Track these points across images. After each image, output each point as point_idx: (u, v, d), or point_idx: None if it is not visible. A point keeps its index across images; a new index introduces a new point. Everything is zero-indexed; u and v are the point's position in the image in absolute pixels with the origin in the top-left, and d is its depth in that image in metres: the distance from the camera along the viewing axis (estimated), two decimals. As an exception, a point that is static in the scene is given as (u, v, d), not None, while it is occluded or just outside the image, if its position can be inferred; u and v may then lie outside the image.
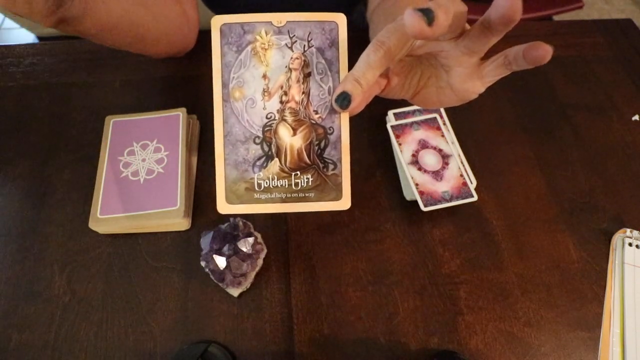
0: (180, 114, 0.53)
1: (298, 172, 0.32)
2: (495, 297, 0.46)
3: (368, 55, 0.28)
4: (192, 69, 0.62)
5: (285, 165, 0.32)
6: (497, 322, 0.44)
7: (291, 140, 0.32)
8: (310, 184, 0.32)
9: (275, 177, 0.32)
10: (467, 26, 0.28)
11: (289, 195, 0.32)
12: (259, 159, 0.32)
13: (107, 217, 0.46)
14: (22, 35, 1.74)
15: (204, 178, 0.53)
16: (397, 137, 0.52)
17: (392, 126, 0.53)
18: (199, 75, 0.62)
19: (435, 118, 0.54)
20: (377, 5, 0.54)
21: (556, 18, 1.05)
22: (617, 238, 0.49)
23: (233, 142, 0.32)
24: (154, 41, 0.50)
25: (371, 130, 0.56)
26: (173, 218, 0.46)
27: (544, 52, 0.25)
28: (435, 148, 0.51)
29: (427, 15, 0.23)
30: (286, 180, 0.32)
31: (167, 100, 0.59)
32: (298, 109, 0.32)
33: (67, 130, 0.56)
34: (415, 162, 0.50)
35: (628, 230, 0.49)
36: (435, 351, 0.43)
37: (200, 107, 0.57)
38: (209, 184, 0.52)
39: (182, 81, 0.61)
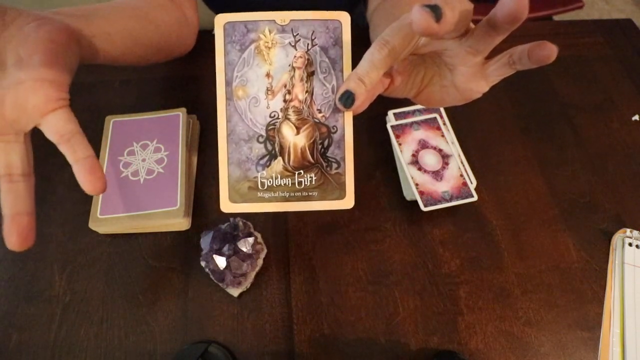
0: (180, 114, 0.53)
1: (301, 171, 0.32)
2: (495, 297, 0.46)
3: (372, 54, 0.28)
4: (192, 69, 0.62)
5: (289, 164, 0.32)
6: (497, 322, 0.44)
7: (294, 139, 0.32)
8: (313, 182, 0.32)
9: (279, 176, 0.32)
10: (472, 25, 0.28)
11: (292, 194, 0.32)
12: (262, 157, 0.32)
13: (107, 217, 0.46)
14: (22, 35, 1.73)
15: (204, 178, 0.53)
16: (397, 137, 0.52)
17: (392, 126, 0.53)
18: (199, 75, 0.62)
19: (435, 118, 0.54)
20: (377, 4, 0.54)
21: (556, 18, 1.05)
22: (617, 238, 0.49)
23: (236, 141, 0.32)
24: (156, 51, 0.50)
25: (371, 130, 0.56)
26: (173, 218, 0.46)
27: (549, 51, 0.25)
28: (435, 148, 0.51)
29: (435, 11, 0.23)
30: (289, 179, 0.32)
31: (167, 100, 0.59)
32: (301, 107, 0.31)
33: (67, 130, 0.56)
34: (415, 162, 0.50)
35: (628, 230, 0.49)
36: (435, 351, 0.42)
37: (200, 107, 0.57)
38: (209, 184, 0.52)
39: (182, 81, 0.61)
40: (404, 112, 0.55)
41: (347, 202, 0.32)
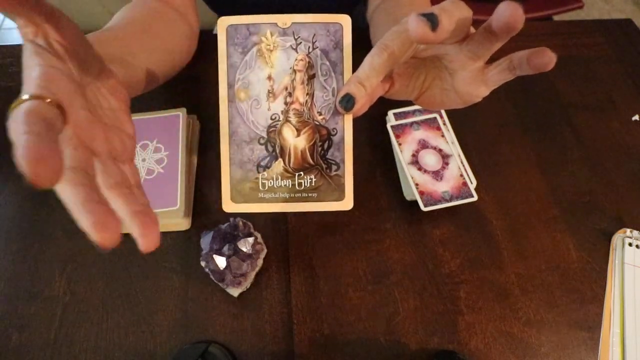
0: (180, 114, 0.53)
1: (301, 173, 0.32)
2: (495, 297, 0.46)
3: (372, 58, 0.28)
4: (192, 69, 0.62)
5: (289, 165, 0.32)
6: (497, 322, 0.44)
7: (295, 141, 0.32)
8: (313, 184, 0.32)
9: (279, 177, 0.32)
10: (472, 29, 0.28)
11: (292, 195, 0.32)
12: (263, 159, 0.32)
13: (107, 217, 0.46)
14: (22, 35, 1.73)
15: (204, 178, 0.53)
16: (397, 137, 0.52)
17: (392, 126, 0.53)
18: (199, 75, 0.62)
19: (435, 118, 0.54)
20: (377, 5, 0.54)
21: (556, 18, 1.05)
22: (617, 238, 0.49)
23: (238, 143, 0.32)
24: (171, 71, 0.48)
25: (371, 130, 0.56)
26: (173, 218, 0.46)
27: (548, 59, 0.25)
28: (435, 148, 0.51)
29: (431, 20, 0.23)
30: (290, 181, 0.32)
31: (167, 100, 0.59)
32: (302, 110, 0.32)
33: (67, 130, 0.56)
34: (415, 162, 0.50)
35: (628, 230, 0.49)
36: (435, 351, 0.42)
37: (200, 107, 0.57)
38: (209, 184, 0.52)
39: (182, 81, 0.61)
40: (404, 112, 0.55)
41: (346, 203, 0.32)
